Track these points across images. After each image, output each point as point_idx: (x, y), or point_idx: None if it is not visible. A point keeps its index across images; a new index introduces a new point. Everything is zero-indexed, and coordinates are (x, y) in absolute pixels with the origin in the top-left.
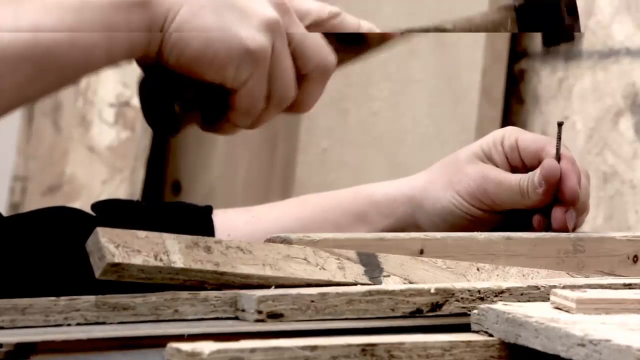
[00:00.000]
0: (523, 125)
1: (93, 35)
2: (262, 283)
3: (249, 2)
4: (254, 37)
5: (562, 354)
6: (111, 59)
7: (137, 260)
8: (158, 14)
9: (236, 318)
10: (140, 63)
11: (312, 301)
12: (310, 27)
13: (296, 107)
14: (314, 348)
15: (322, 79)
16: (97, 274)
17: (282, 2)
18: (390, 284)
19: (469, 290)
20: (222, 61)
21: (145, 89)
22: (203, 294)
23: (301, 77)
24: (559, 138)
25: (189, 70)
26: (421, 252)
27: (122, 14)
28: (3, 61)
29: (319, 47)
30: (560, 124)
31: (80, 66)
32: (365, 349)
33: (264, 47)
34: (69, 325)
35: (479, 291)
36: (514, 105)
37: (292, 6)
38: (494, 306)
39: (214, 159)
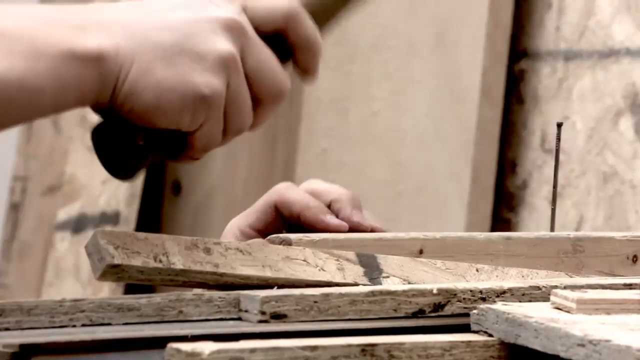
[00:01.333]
0: (523, 125)
1: (42, 83)
2: (262, 284)
3: (200, 40)
4: (207, 81)
5: (562, 354)
6: (60, 106)
7: (137, 261)
8: (109, 72)
9: (240, 319)
10: (95, 109)
11: (315, 302)
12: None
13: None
14: (314, 348)
15: (275, 104)
16: (97, 275)
17: (236, 25)
18: (390, 285)
19: (470, 291)
20: (177, 110)
21: (99, 134)
22: (207, 294)
23: (256, 102)
24: (558, 139)
25: (143, 120)
26: (420, 252)
27: (73, 67)
28: None
29: (274, 73)
30: (559, 125)
31: (27, 110)
32: (365, 349)
33: (219, 91)
34: (74, 326)
35: (480, 291)
36: (514, 105)
37: (250, 13)
38: (493, 306)
39: (214, 159)
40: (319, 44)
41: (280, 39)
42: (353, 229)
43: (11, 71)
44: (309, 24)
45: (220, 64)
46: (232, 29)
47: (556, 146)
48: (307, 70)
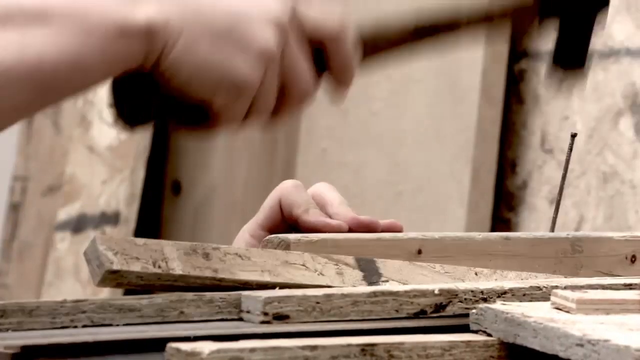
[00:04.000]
0: (523, 125)
1: (94, 61)
2: (262, 288)
3: (248, 30)
4: (245, 72)
5: (561, 354)
6: (107, 78)
7: (136, 267)
8: (157, 45)
9: (241, 319)
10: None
11: (317, 302)
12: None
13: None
14: (313, 348)
15: (297, 106)
16: (96, 281)
17: (284, 25)
18: (392, 285)
19: (472, 291)
20: (209, 90)
21: (126, 81)
22: (208, 295)
23: (281, 98)
24: (570, 149)
25: (176, 92)
26: (419, 252)
27: (123, 44)
28: (7, 83)
29: (304, 79)
30: (573, 136)
31: (79, 87)
32: (365, 348)
33: (253, 83)
34: (75, 327)
35: (482, 292)
36: (514, 105)
37: (299, 19)
38: (492, 306)
39: (214, 159)
40: (352, 72)
41: (320, 52)
42: (355, 227)
43: (65, 55)
44: (349, 49)
45: (261, 58)
46: (280, 27)
47: (567, 156)
48: (336, 88)
